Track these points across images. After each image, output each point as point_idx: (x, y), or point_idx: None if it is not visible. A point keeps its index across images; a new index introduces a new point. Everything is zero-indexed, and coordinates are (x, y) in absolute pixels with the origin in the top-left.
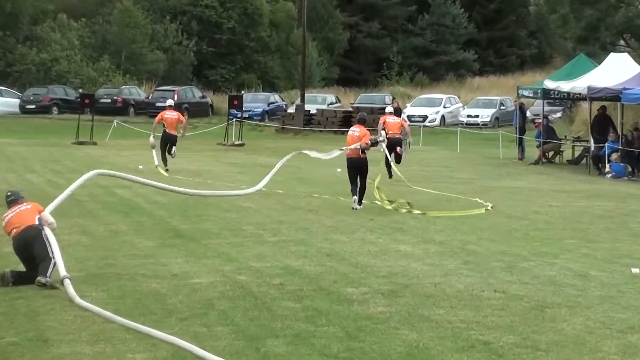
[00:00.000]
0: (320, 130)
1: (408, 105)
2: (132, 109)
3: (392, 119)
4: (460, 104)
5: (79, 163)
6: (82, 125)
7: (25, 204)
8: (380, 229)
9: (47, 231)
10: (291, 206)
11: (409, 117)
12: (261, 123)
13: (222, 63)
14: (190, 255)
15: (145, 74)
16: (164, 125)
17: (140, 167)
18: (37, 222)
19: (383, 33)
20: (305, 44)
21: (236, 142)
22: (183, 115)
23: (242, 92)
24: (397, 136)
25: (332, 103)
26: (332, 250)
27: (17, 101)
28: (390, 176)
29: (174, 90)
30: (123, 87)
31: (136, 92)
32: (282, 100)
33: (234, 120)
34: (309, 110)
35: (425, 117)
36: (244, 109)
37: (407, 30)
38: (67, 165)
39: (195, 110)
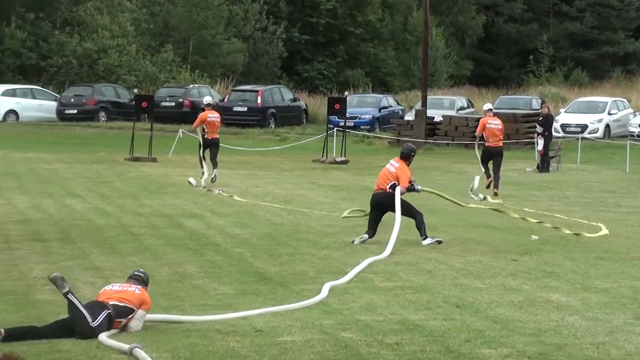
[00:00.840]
0: (448, 144)
1: (561, 111)
2: None
3: (494, 123)
4: (630, 110)
5: (134, 185)
6: (138, 135)
7: (138, 287)
8: (526, 273)
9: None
10: (409, 242)
11: (563, 126)
12: (370, 134)
13: (320, 55)
14: (279, 305)
15: (219, 70)
16: (204, 129)
17: (222, 191)
18: (133, 309)
19: (529, 16)
20: (428, 31)
21: (338, 159)
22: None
23: (346, 93)
24: (498, 145)
25: (462, 108)
26: (462, 299)
27: (53, 104)
28: (488, 186)
29: (257, 91)
30: (191, 86)
31: (208, 93)
32: (398, 104)
33: (334, 129)
34: (433, 118)
35: (584, 127)
36: (347, 115)
37: (561, 13)
38: (118, 188)
39: (284, 117)
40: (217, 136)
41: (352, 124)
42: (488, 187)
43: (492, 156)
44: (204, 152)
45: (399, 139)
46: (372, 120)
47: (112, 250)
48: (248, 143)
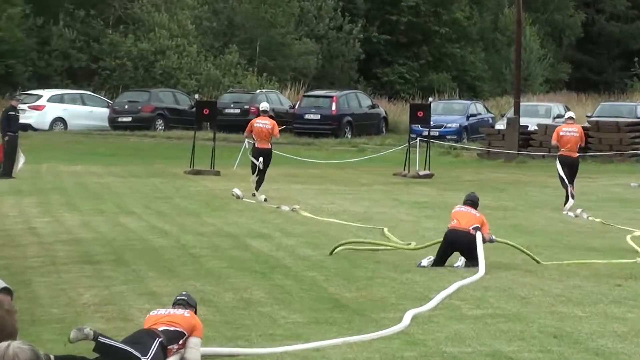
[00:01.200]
0: (543, 156)
1: None
2: None
3: (569, 131)
4: None
5: (194, 201)
6: (200, 146)
7: (187, 310)
8: (632, 300)
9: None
10: (499, 265)
11: None
12: (457, 144)
13: (401, 57)
14: (356, 335)
15: (289, 73)
16: (253, 137)
17: (292, 208)
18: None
19: (634, 14)
20: (521, 30)
21: (421, 172)
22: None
23: (430, 99)
24: (572, 156)
25: (559, 116)
26: (560, 329)
27: (105, 111)
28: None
29: (331, 97)
30: (258, 91)
31: (277, 99)
32: (488, 111)
33: (417, 139)
34: (527, 127)
35: None
36: (432, 123)
37: None
38: (177, 205)
39: (361, 125)
40: (269, 146)
41: (437, 134)
42: (567, 199)
43: (566, 166)
44: (252, 164)
45: (489, 150)
46: (459, 129)
47: (170, 274)
48: (321, 155)
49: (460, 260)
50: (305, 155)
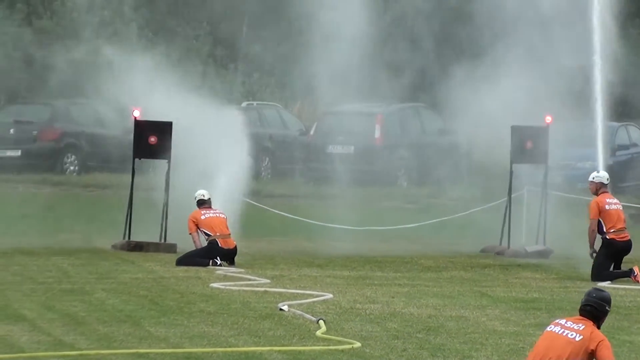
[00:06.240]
0: None
1: None
2: None
3: (613, 203)
4: None
5: (132, 299)
6: (141, 201)
7: None
8: None
9: None
10: None
11: None
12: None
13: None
14: None
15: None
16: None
17: (317, 319)
18: None
19: None
20: None
21: (531, 248)
22: None
23: (547, 119)
24: (625, 238)
25: None
26: None
27: None
28: None
29: (373, 115)
30: (245, 104)
31: (277, 120)
32: None
33: (525, 190)
34: None
35: None
36: (554, 162)
37: None
38: (101, 304)
39: (426, 165)
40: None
41: (560, 179)
42: None
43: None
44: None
45: None
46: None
47: None
48: (355, 215)
49: None
50: (327, 218)
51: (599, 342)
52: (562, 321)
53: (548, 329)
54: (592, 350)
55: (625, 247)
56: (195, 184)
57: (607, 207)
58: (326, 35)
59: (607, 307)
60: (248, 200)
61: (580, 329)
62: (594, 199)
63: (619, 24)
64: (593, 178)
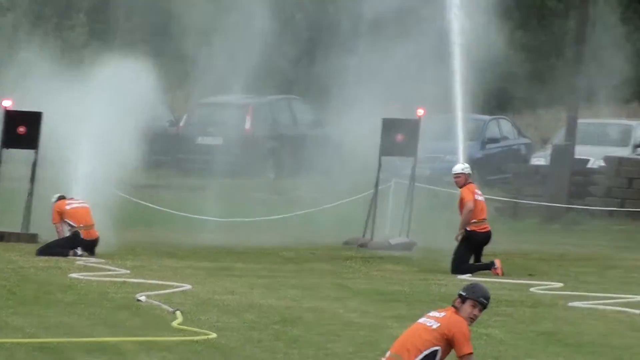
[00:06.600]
0: (611, 212)
1: None
2: None
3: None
4: None
5: None
6: (4, 191)
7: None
8: None
9: None
10: None
11: None
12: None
13: None
14: None
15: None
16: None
17: (174, 310)
18: None
19: None
20: None
21: (394, 240)
22: None
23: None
24: (486, 229)
25: None
26: None
27: None
28: None
29: (245, 107)
30: None
31: None
32: (520, 134)
33: (392, 183)
34: (586, 161)
35: None
36: (423, 154)
37: None
38: None
39: (296, 155)
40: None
41: (428, 172)
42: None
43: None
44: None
45: (517, 202)
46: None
47: None
48: (221, 207)
49: None
50: (194, 209)
51: (456, 328)
52: (432, 312)
53: (420, 320)
54: (450, 337)
55: (485, 237)
56: (63, 174)
57: (477, 197)
58: (203, 29)
59: (482, 296)
60: (115, 190)
61: (440, 316)
62: (466, 187)
63: (498, 15)
64: (463, 170)
